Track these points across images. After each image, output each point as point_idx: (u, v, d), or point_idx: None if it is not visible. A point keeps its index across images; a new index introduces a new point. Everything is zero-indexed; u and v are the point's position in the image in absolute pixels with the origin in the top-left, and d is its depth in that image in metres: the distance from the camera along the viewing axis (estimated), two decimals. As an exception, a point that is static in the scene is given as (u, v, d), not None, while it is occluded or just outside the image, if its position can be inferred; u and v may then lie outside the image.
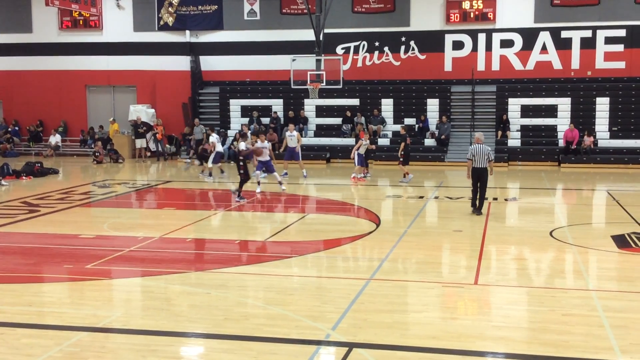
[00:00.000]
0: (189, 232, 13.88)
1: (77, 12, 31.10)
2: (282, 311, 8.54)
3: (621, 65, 28.10)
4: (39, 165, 23.93)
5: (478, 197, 15.39)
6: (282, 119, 29.58)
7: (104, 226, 14.52)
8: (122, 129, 30.96)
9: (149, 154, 29.86)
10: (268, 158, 19.31)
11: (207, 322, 8.20)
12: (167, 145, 30.41)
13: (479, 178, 15.30)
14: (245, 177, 17.58)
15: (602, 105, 27.76)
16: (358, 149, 21.51)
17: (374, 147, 22.46)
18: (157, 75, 31.59)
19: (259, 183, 18.92)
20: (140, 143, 29.52)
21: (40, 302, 9.20)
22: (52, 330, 7.94)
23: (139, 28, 31.83)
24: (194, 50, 31.49)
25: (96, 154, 28.34)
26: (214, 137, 22.82)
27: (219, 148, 22.88)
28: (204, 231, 14.17)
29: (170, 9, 31.37)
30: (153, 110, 31.12)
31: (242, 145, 17.84)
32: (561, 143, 27.02)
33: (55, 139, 31.26)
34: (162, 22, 31.57)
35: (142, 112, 30.40)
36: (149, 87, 31.86)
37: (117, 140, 30.17)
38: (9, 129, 32.53)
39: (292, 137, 22.80)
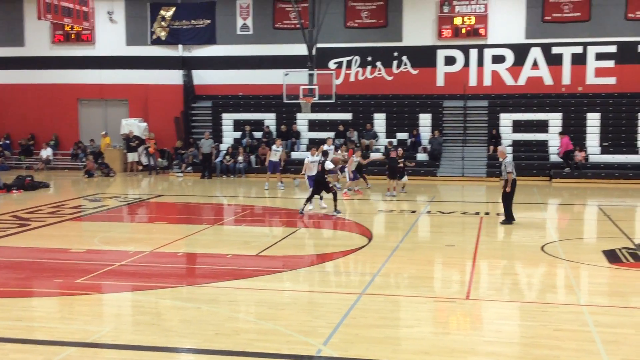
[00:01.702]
0: (181, 246, 13.83)
1: (70, 26, 31.04)
2: (274, 326, 8.50)
3: (612, 81, 28.29)
4: (29, 179, 23.80)
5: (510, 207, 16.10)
6: (274, 133, 29.60)
7: (95, 240, 14.46)
8: (114, 142, 30.90)
9: (140, 167, 29.81)
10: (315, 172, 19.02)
11: (198, 337, 8.15)
12: (159, 159, 30.35)
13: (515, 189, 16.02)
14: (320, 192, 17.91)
15: (593, 120, 27.91)
16: (350, 165, 21.74)
17: (365, 161, 22.62)
18: (149, 89, 31.59)
19: (321, 198, 18.44)
20: (132, 157, 29.52)
21: (30, 316, 9.13)
22: (41, 346, 7.88)
23: (132, 42, 31.86)
24: (187, 64, 31.53)
25: (87, 171, 28.20)
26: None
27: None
28: (196, 245, 14.12)
29: (163, 23, 31.43)
30: (145, 124, 31.11)
31: (330, 165, 17.77)
32: (552, 158, 27.14)
33: (46, 152, 31.17)
34: (154, 36, 31.61)
35: (134, 126, 30.40)
36: (141, 100, 31.84)
37: (109, 154, 30.09)
38: (0, 143, 32.42)
39: (277, 152, 23.51)
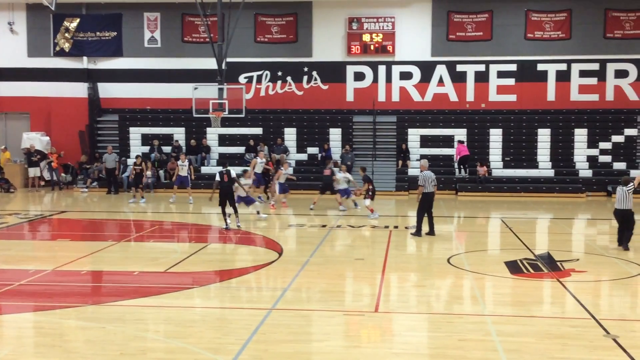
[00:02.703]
0: (85, 264, 13.37)
1: (-33, 36, 29.76)
2: (182, 344, 8.33)
3: (512, 98, 29.50)
4: None
5: (429, 221, 16.44)
6: (184, 148, 29.19)
7: (-7, 259, 13.79)
8: (14, 157, 29.68)
9: (43, 183, 28.74)
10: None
11: (102, 357, 7.88)
12: (63, 174, 29.35)
13: (431, 202, 16.38)
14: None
15: (496, 136, 29.02)
16: (278, 178, 21.99)
17: (294, 178, 23.17)
18: (52, 102, 30.56)
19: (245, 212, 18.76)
20: (33, 172, 28.43)
21: None
22: None
23: (34, 53, 30.80)
24: (92, 76, 30.73)
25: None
26: (341, 174, 21.96)
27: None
28: (101, 263, 13.68)
29: (66, 34, 30.53)
30: (48, 138, 30.06)
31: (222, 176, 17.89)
32: (457, 173, 27.98)
33: (-60, 168, 29.57)
34: (58, 48, 30.67)
35: (36, 140, 29.32)
36: (43, 114, 30.74)
37: (9, 169, 28.88)
38: None
39: (183, 167, 24.05)
